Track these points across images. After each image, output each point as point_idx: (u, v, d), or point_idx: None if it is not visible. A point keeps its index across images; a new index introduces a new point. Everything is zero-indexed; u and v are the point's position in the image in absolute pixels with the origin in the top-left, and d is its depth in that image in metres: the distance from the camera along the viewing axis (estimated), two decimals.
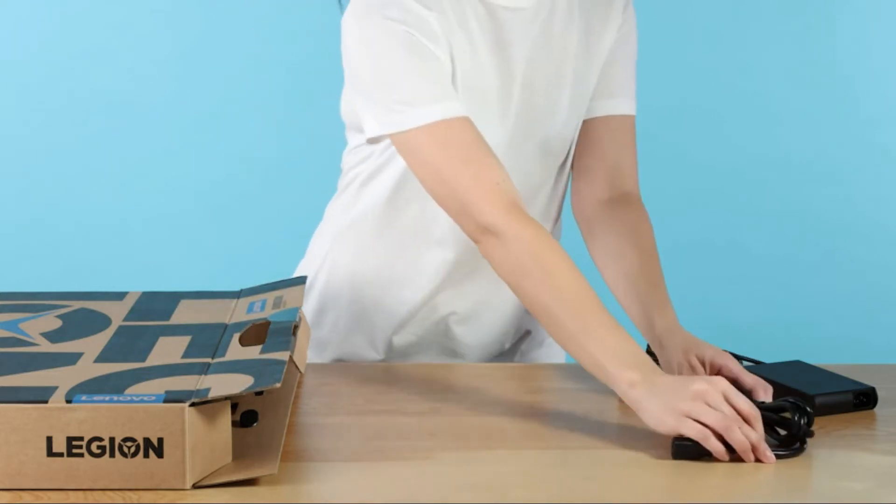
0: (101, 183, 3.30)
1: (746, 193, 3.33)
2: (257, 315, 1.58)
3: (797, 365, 1.64)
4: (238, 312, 1.61)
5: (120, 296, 1.69)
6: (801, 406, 1.42)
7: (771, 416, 1.44)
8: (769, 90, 3.31)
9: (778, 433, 1.43)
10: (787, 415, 1.42)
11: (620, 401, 1.53)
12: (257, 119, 3.24)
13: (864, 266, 3.34)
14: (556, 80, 1.72)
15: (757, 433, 1.39)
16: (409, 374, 1.72)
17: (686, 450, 1.40)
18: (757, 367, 1.65)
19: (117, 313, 1.62)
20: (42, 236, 3.30)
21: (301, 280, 1.67)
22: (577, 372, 1.73)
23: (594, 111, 1.79)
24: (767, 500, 1.34)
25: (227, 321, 1.59)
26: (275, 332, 1.50)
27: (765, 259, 3.34)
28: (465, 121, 1.56)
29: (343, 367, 1.80)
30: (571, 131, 1.77)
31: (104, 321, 1.59)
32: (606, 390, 1.60)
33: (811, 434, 1.42)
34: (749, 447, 1.39)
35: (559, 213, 1.84)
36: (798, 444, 1.42)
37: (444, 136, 1.55)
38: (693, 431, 1.39)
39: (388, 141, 1.67)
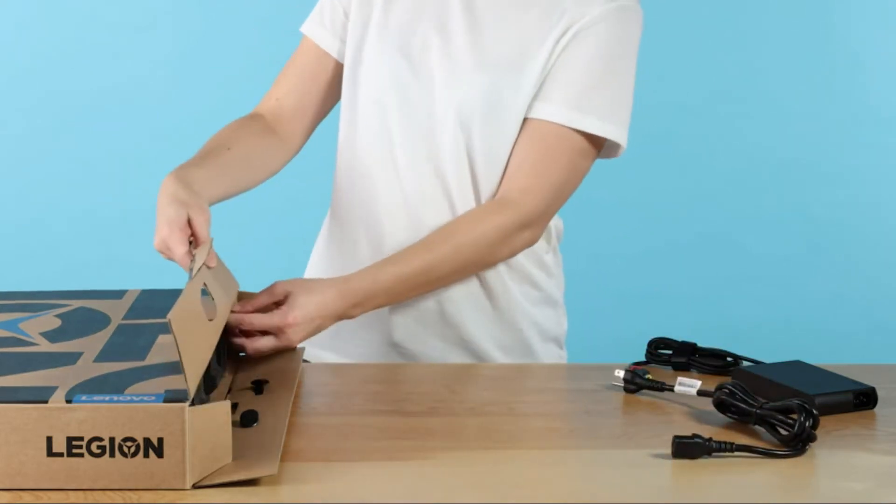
0: (101, 183, 3.29)
1: (746, 193, 3.33)
2: None
3: (797, 365, 1.64)
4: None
5: (119, 294, 1.69)
6: (807, 408, 1.41)
7: (776, 416, 1.43)
8: (770, 90, 3.32)
9: (780, 433, 1.43)
10: (795, 416, 1.42)
11: (621, 400, 1.54)
12: None
13: (864, 266, 3.34)
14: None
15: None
16: (408, 374, 1.72)
17: (686, 449, 1.40)
18: (757, 367, 1.65)
19: (117, 312, 1.62)
20: (42, 236, 3.29)
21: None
22: (576, 372, 1.73)
23: (527, 112, 1.80)
24: (767, 500, 1.34)
25: None
26: None
27: (765, 259, 3.34)
28: (311, 45, 1.91)
29: (343, 367, 1.80)
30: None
31: (104, 320, 1.59)
32: (606, 390, 1.60)
33: (814, 438, 1.41)
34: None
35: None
36: (800, 445, 1.41)
37: (299, 46, 1.93)
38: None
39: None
